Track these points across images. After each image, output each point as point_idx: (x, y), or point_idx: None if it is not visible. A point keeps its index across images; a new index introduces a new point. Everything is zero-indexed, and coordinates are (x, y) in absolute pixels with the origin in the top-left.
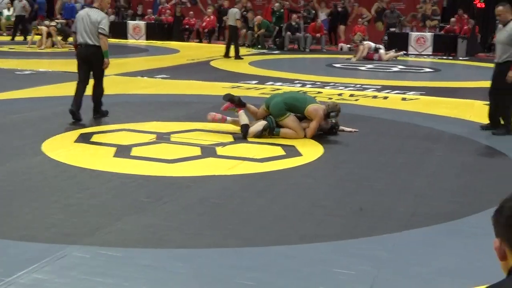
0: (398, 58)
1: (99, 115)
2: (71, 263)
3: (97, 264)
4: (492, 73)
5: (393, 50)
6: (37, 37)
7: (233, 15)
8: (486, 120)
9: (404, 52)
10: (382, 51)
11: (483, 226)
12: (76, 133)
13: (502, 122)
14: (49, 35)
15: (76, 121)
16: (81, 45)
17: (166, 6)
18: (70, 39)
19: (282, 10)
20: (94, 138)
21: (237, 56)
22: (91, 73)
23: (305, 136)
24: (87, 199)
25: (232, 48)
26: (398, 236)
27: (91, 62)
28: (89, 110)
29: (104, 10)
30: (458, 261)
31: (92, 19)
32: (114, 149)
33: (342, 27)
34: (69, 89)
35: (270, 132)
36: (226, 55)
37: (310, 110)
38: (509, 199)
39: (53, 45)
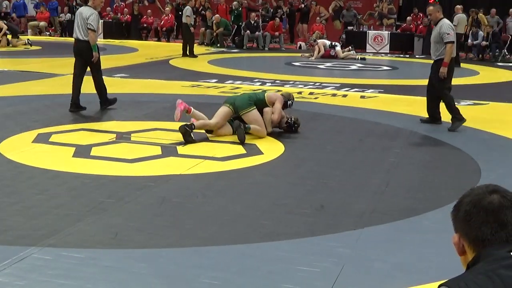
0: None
1: (106, 106)
2: (31, 265)
3: (58, 266)
4: (430, 70)
5: (350, 48)
6: None
7: (184, 13)
8: (444, 117)
9: (362, 57)
10: (338, 48)
11: (442, 222)
12: (33, 133)
13: (452, 116)
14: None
15: (80, 111)
16: (75, 40)
17: (121, 5)
18: (24, 37)
19: (240, 9)
20: (53, 138)
21: (191, 54)
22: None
23: (272, 125)
24: (47, 200)
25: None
26: (359, 233)
27: (83, 56)
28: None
29: (97, 8)
30: (417, 257)
31: (83, 16)
32: (73, 149)
33: (305, 26)
34: (22, 89)
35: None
36: (184, 54)
37: (270, 95)
38: (467, 194)
39: (8, 43)
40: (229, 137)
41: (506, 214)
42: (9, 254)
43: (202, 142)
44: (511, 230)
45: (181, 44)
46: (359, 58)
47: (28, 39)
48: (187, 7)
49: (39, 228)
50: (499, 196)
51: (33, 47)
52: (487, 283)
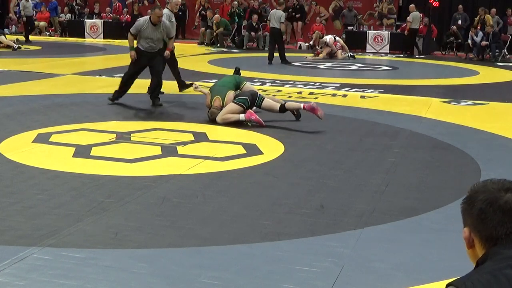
0: (355, 56)
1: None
2: (32, 265)
3: (58, 266)
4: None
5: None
6: None
7: (279, 19)
8: (444, 117)
9: (351, 54)
10: (339, 44)
11: (442, 222)
12: (33, 133)
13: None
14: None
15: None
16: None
17: (118, 5)
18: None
19: (241, 9)
20: (53, 138)
21: (283, 60)
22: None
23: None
24: (46, 200)
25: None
26: (359, 233)
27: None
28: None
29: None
30: (417, 257)
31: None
32: (73, 149)
33: (299, 24)
34: (22, 89)
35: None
36: (270, 60)
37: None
38: (481, 190)
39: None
40: (229, 136)
41: None
42: (9, 254)
43: (202, 142)
44: None
45: (181, 44)
46: (350, 56)
47: (16, 43)
48: (282, 13)
49: (39, 228)
50: None
51: (33, 47)
52: (493, 282)
